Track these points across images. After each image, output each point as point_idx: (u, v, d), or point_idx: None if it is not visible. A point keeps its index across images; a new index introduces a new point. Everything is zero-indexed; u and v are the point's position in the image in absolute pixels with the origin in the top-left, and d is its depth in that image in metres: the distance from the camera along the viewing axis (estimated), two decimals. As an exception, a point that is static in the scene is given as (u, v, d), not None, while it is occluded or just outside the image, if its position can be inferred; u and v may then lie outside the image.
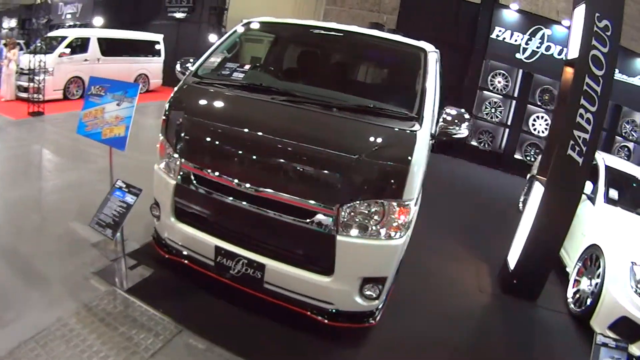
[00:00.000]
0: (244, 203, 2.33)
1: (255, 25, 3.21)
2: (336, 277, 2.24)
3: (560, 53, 8.52)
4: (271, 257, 2.34)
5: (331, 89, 2.77)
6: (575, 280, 3.62)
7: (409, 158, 2.17)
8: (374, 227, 2.20)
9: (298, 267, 2.31)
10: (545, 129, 8.87)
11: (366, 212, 2.18)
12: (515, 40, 8.72)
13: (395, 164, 2.17)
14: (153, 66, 10.59)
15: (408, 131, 2.31)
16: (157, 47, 10.67)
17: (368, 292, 2.30)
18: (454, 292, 3.50)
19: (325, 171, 2.22)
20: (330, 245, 2.20)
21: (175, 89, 2.74)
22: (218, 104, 2.64)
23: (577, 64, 3.20)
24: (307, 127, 2.38)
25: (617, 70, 8.01)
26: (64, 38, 8.52)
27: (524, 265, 3.50)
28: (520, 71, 8.88)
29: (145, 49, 10.40)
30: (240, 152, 2.36)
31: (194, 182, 2.47)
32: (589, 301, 3.28)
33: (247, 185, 2.29)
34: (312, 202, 2.21)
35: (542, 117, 8.91)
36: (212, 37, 11.28)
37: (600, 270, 3.25)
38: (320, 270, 2.29)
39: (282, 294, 2.38)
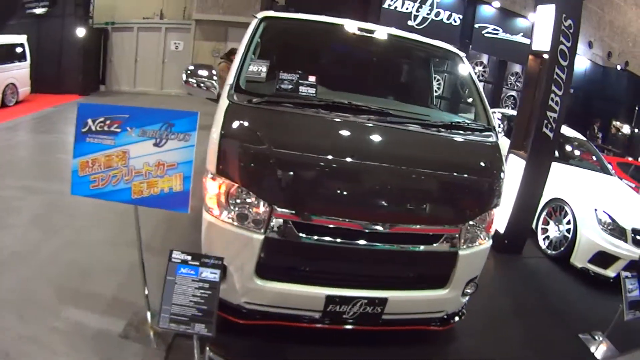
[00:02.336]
0: (366, 243, 2.16)
1: (278, 23, 2.71)
2: (452, 287, 2.39)
3: (449, 18, 9.56)
4: (392, 288, 2.30)
5: (402, 102, 2.70)
6: (542, 229, 4.50)
7: (503, 169, 2.39)
8: (480, 234, 2.38)
9: (417, 290, 2.35)
10: (438, 88, 10.05)
11: (480, 223, 2.34)
12: (407, 9, 9.38)
13: (496, 178, 2.36)
14: (20, 73, 8.53)
15: (495, 144, 2.47)
16: (20, 50, 8.58)
17: (468, 290, 2.51)
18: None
19: (453, 195, 2.29)
20: (452, 260, 2.32)
21: (223, 111, 2.15)
22: (315, 131, 2.22)
23: (549, 57, 3.78)
24: (424, 151, 2.33)
25: (501, 30, 9.56)
26: None
27: (512, 227, 4.18)
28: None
29: (10, 53, 8.38)
30: (363, 189, 2.17)
31: (297, 232, 2.10)
32: (563, 244, 4.15)
33: (377, 224, 2.13)
34: (441, 226, 2.25)
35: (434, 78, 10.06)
36: (80, 32, 9.54)
37: (570, 218, 4.11)
38: (437, 285, 2.38)
39: (398, 320, 2.40)
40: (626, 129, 12.02)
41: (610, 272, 3.82)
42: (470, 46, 9.85)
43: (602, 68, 11.75)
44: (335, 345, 2.51)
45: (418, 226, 2.21)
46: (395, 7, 9.31)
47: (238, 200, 2.09)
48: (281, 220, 2.08)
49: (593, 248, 3.86)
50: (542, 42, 3.86)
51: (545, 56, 3.84)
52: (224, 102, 2.22)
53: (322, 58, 3.09)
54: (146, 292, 2.44)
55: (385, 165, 2.14)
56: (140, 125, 2.05)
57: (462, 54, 3.01)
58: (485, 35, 9.83)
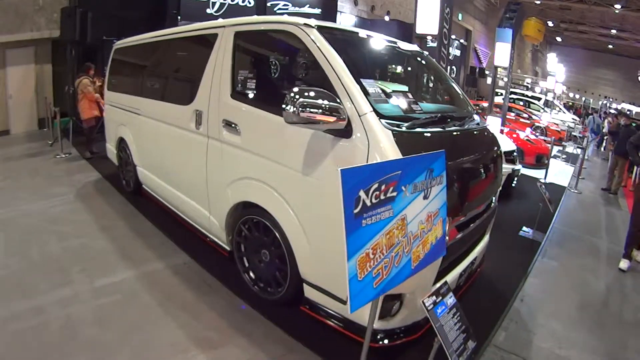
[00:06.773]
0: (482, 217, 2.68)
1: (333, 33, 2.41)
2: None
3: (243, 1, 9.59)
4: (475, 246, 2.83)
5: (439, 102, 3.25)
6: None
7: None
8: None
9: (481, 241, 2.97)
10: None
11: None
12: (204, -3, 8.82)
13: None
14: None
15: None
16: None
17: None
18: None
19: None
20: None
21: (388, 143, 1.91)
22: (457, 143, 2.44)
23: (438, 38, 4.73)
24: (485, 140, 2.80)
25: (290, 4, 10.29)
26: None
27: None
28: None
29: None
30: (488, 177, 2.63)
31: (460, 231, 2.42)
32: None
33: (489, 200, 2.73)
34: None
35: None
36: None
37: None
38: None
39: (476, 268, 3.01)
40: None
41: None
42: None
43: (368, 21, 13.99)
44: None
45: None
46: (194, -3, 8.59)
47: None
48: (451, 227, 2.23)
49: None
50: (424, 26, 4.80)
51: (429, 37, 4.82)
52: (378, 133, 1.94)
53: (373, 68, 2.96)
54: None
55: (487, 157, 2.68)
56: (411, 179, 1.64)
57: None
58: (278, 11, 10.48)
